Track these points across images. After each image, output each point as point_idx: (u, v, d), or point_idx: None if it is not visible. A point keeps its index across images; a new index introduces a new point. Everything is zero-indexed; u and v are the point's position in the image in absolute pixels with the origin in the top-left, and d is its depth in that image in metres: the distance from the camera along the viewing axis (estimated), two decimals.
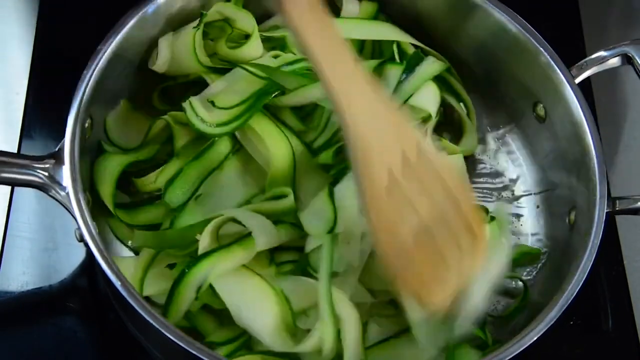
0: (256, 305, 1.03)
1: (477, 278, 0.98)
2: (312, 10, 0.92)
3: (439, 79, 1.24)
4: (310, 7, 0.92)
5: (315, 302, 1.02)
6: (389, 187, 0.93)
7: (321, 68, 0.92)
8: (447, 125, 1.28)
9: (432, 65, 1.23)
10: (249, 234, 1.04)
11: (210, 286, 1.03)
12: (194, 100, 1.14)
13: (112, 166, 1.14)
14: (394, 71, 1.21)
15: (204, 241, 1.04)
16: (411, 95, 1.20)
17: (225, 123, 1.14)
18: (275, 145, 1.14)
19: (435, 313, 0.98)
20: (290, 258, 1.09)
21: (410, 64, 1.21)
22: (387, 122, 0.95)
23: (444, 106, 1.26)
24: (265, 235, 1.04)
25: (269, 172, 1.14)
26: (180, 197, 1.13)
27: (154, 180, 1.16)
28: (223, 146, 1.15)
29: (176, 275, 1.03)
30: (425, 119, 1.21)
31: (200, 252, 1.04)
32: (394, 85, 1.20)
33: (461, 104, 1.28)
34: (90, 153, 1.12)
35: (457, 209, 0.97)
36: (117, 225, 1.15)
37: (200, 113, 1.13)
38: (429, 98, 1.22)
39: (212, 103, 1.13)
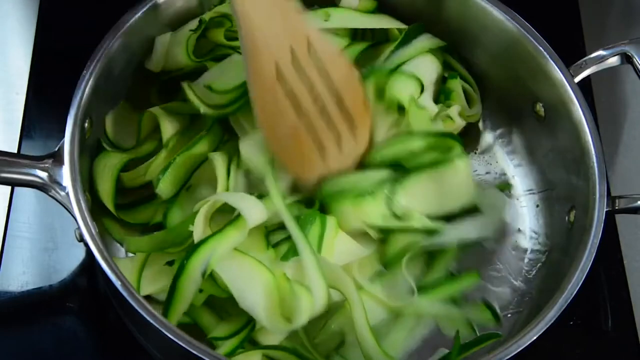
0: (255, 287, 1.03)
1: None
2: None
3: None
4: None
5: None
6: (275, 79, 1.03)
7: None
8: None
9: (430, 40, 1.25)
10: (239, 215, 1.05)
11: (211, 276, 1.03)
12: (192, 83, 1.15)
13: (111, 164, 1.14)
14: (391, 47, 1.23)
15: (198, 230, 1.04)
16: (405, 63, 1.21)
17: (222, 106, 1.15)
18: None
19: (307, 186, 1.12)
20: (284, 235, 1.09)
21: (409, 36, 1.23)
22: (277, 17, 1.01)
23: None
24: (254, 212, 1.05)
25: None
26: (171, 188, 1.13)
27: (143, 173, 1.16)
28: (212, 137, 1.16)
29: (175, 270, 1.03)
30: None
31: (196, 240, 1.04)
32: (386, 55, 1.22)
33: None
34: (90, 153, 1.13)
35: (339, 102, 1.09)
36: (112, 226, 1.15)
37: (200, 94, 1.14)
38: (425, 67, 1.23)
39: (210, 87, 1.14)
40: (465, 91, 1.27)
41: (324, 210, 1.13)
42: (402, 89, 1.17)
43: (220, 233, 1.03)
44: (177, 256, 1.08)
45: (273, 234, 1.10)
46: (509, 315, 1.16)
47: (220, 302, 1.08)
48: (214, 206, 1.07)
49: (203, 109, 1.14)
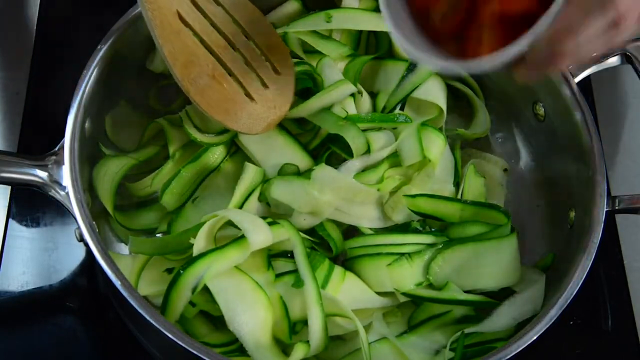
0: (248, 311, 1.02)
1: None
2: None
3: None
4: None
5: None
6: (179, 25, 1.04)
7: None
8: (456, 109, 1.29)
9: None
10: (243, 236, 1.04)
11: (207, 289, 1.02)
12: (190, 109, 1.14)
13: (112, 171, 1.13)
14: (397, 68, 1.22)
15: (199, 243, 1.04)
16: (415, 89, 1.20)
17: (220, 132, 1.15)
18: None
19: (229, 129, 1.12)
20: (290, 268, 1.08)
21: (413, 62, 1.21)
22: None
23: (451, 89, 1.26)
24: (258, 235, 1.04)
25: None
26: (177, 200, 1.13)
27: (149, 184, 1.16)
28: (219, 149, 1.16)
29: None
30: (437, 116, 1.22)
31: (195, 254, 1.03)
32: (396, 81, 1.21)
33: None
34: (90, 153, 1.12)
35: (252, 44, 1.12)
36: (117, 225, 1.15)
37: (197, 122, 1.14)
38: (436, 90, 1.22)
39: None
40: (469, 100, 1.27)
41: (349, 268, 1.11)
42: (432, 147, 1.16)
43: (220, 250, 1.02)
44: (177, 264, 1.07)
45: (276, 260, 1.09)
46: None
47: (216, 314, 1.07)
48: (219, 222, 1.06)
49: (200, 138, 1.13)
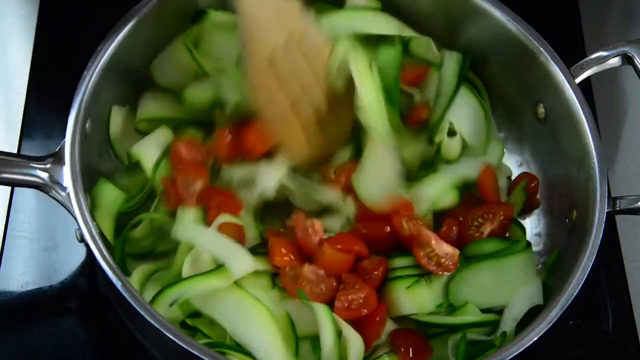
0: (254, 326, 1.03)
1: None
2: None
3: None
4: None
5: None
6: (270, 61, 1.09)
7: None
8: None
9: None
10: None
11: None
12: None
13: (110, 200, 1.12)
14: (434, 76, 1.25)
15: (185, 269, 1.06)
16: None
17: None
18: None
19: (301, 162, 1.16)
20: None
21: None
22: (276, 5, 1.09)
23: None
24: (240, 264, 1.05)
25: None
26: None
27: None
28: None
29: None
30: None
31: (183, 276, 1.05)
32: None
33: None
34: (90, 153, 1.12)
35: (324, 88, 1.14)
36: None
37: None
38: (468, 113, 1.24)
39: None
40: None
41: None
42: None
43: (201, 276, 1.03)
44: None
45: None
46: None
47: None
48: (197, 253, 1.07)
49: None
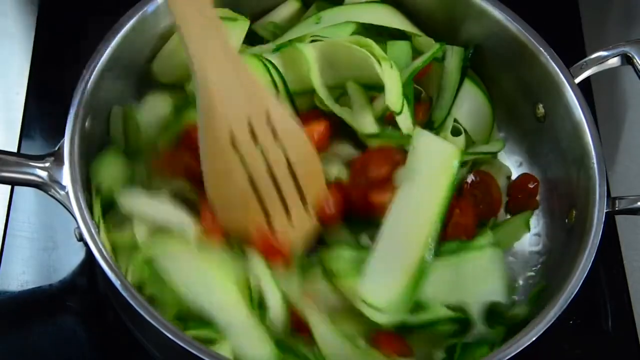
0: (209, 286, 1.03)
1: None
2: None
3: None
4: None
5: None
6: (228, 144, 1.02)
7: (176, 13, 0.98)
8: None
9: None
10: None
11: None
12: None
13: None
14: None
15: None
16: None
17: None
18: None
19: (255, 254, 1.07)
20: None
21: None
22: (237, 83, 1.01)
23: None
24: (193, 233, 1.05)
25: None
26: None
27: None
28: None
29: None
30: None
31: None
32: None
33: None
34: (90, 153, 1.12)
35: (293, 180, 1.07)
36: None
37: None
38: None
39: None
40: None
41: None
42: None
43: (163, 241, 1.04)
44: None
45: None
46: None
47: None
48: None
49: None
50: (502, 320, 1.09)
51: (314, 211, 1.11)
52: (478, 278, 1.09)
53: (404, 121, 1.16)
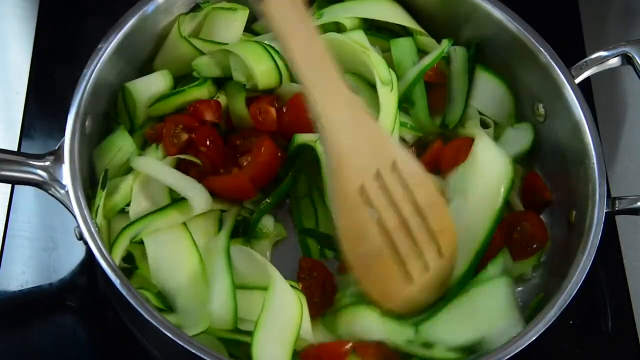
0: (176, 267, 1.06)
1: None
2: (295, 10, 0.96)
3: None
4: (292, 6, 0.96)
5: (260, 281, 1.05)
6: (360, 200, 1.00)
7: (303, 77, 0.97)
8: None
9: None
10: (184, 199, 1.09)
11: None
12: None
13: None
14: None
15: (134, 207, 1.09)
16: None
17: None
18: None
19: (391, 311, 1.06)
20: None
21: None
22: (364, 138, 1.01)
23: None
24: (201, 201, 1.09)
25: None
26: None
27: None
28: None
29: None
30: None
31: (132, 217, 1.08)
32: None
33: None
34: (90, 152, 1.12)
35: (425, 226, 1.04)
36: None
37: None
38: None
39: None
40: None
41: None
42: None
43: (160, 212, 1.07)
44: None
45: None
46: None
47: None
48: (148, 180, 1.10)
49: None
50: None
51: (448, 254, 1.07)
52: (493, 313, 1.07)
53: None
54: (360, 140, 1.01)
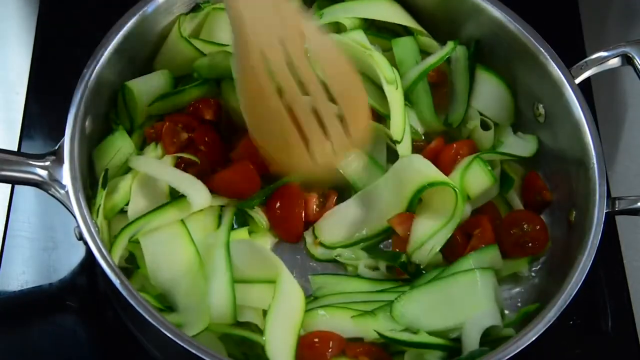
0: (172, 263, 1.06)
1: None
2: None
3: None
4: None
5: (263, 273, 1.06)
6: (260, 71, 1.00)
7: None
8: None
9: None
10: (183, 196, 1.09)
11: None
12: None
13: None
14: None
15: (132, 207, 1.10)
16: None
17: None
18: None
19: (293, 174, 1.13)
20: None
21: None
22: (269, 10, 1.00)
23: None
24: (199, 197, 1.09)
25: None
26: None
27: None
28: None
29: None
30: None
31: (130, 218, 1.08)
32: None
33: None
34: (90, 152, 1.12)
35: (333, 99, 1.03)
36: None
37: None
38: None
39: None
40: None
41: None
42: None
43: (158, 210, 1.08)
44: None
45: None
46: (510, 315, 1.16)
47: None
48: (146, 179, 1.11)
49: None
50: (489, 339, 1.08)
51: (356, 133, 1.06)
52: (468, 301, 1.08)
53: (405, 147, 1.17)
54: (265, 9, 1.00)
